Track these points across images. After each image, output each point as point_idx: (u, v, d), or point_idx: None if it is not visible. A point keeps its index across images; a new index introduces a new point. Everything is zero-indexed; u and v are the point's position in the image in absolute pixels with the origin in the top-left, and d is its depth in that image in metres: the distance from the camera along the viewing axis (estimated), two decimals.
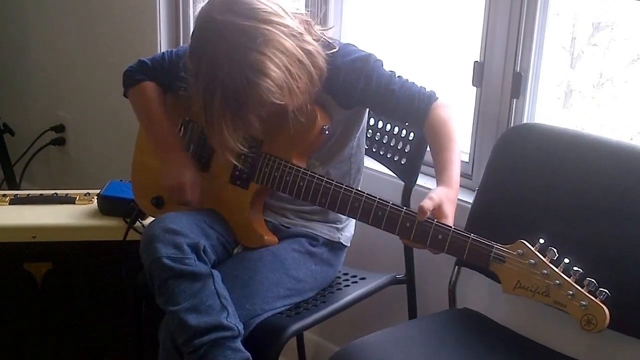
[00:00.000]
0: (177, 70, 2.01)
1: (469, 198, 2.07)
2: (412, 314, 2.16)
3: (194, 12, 1.86)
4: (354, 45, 1.94)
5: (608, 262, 1.75)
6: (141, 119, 2.11)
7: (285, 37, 1.73)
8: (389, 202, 1.72)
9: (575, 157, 1.89)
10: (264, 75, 1.69)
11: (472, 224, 1.95)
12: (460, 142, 1.84)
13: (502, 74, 2.09)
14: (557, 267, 1.54)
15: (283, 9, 1.77)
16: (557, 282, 1.54)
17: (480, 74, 2.14)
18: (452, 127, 1.84)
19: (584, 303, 1.51)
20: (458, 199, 1.97)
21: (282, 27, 1.73)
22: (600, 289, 1.51)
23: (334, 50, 1.87)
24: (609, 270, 1.72)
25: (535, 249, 1.57)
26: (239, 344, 1.73)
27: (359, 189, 1.78)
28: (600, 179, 1.83)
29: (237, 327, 1.74)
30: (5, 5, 3.59)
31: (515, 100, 2.09)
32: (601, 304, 1.50)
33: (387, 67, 1.90)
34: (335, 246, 2.02)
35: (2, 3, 3.60)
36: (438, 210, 1.67)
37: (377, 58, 1.90)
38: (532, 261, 1.56)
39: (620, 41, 2.15)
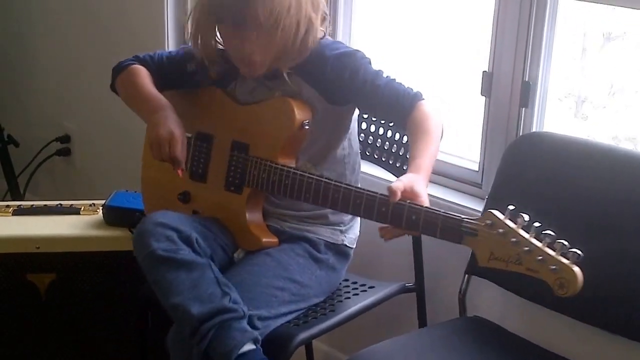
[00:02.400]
0: (165, 69, 2.03)
1: (479, 206, 2.06)
2: (422, 322, 2.15)
3: None
4: (342, 43, 1.97)
5: (617, 273, 1.75)
6: (128, 97, 2.03)
7: None
8: (365, 190, 1.70)
9: (585, 165, 1.88)
10: None
11: None
12: (439, 138, 1.79)
13: (511, 83, 2.08)
14: (528, 233, 1.47)
15: None
16: (526, 248, 1.45)
17: (489, 83, 2.13)
18: (431, 123, 1.79)
19: (553, 267, 1.42)
20: (468, 207, 1.95)
21: None
22: (572, 249, 1.43)
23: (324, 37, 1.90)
24: (618, 281, 1.72)
25: (505, 218, 1.50)
26: (245, 324, 1.71)
27: (340, 181, 1.76)
28: (609, 189, 1.82)
29: (242, 309, 1.72)
30: (10, 14, 3.60)
31: (524, 109, 2.09)
32: (571, 266, 1.42)
33: (376, 66, 1.89)
34: (340, 250, 2.00)
35: (7, 11, 3.61)
36: (410, 191, 1.62)
37: (365, 55, 1.90)
38: (501, 230, 1.49)
39: (631, 51, 2.14)
